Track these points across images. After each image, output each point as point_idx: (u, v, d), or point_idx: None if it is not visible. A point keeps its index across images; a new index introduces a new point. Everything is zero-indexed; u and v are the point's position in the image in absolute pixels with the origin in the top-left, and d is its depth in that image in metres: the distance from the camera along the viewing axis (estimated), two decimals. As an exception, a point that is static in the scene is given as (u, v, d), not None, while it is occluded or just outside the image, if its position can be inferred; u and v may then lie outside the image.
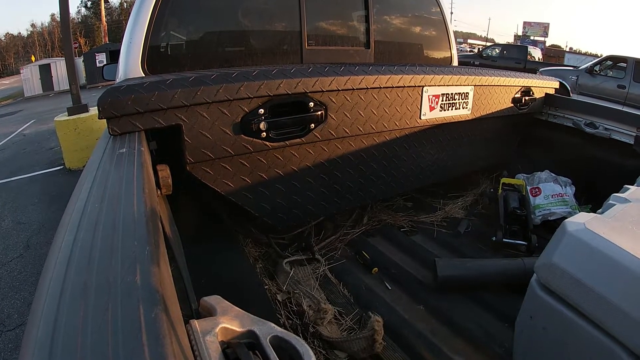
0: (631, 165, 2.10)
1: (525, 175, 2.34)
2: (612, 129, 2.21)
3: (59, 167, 5.79)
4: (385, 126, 1.67)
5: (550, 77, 2.54)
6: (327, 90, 1.43)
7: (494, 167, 2.61)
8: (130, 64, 1.59)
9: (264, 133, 1.35)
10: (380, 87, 1.57)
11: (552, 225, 2.09)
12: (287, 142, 1.43)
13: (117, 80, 1.70)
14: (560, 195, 2.13)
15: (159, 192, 0.96)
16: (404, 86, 1.64)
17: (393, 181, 1.92)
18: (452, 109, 1.87)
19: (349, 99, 1.52)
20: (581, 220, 0.95)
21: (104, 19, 25.68)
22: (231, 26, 1.92)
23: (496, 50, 13.82)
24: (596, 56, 27.13)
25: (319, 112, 1.45)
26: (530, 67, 11.64)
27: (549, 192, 2.15)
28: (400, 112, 1.69)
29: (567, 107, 2.43)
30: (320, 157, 1.58)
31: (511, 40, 35.17)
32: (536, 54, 16.88)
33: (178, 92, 1.14)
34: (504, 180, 2.21)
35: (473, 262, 1.66)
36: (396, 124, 1.70)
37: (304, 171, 1.56)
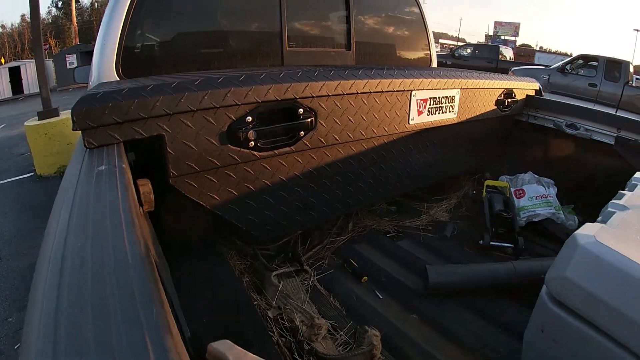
0: (612, 165, 2.15)
1: (508, 177, 2.36)
2: (592, 129, 2.25)
3: (29, 174, 5.54)
4: (375, 132, 1.64)
5: (530, 79, 2.57)
6: (317, 96, 1.38)
7: (477, 170, 2.63)
8: (104, 67, 1.50)
9: (252, 142, 1.28)
10: (370, 92, 1.54)
11: (535, 227, 2.12)
12: (276, 152, 1.37)
13: (91, 84, 1.62)
14: (544, 196, 2.15)
15: (141, 210, 0.90)
16: (394, 90, 1.61)
17: (381, 187, 1.89)
18: (439, 113, 1.86)
19: (338, 104, 1.47)
20: (590, 232, 0.94)
21: (74, 19, 24.90)
22: (209, 27, 1.85)
23: (468, 50, 14.09)
24: (565, 55, 28.13)
25: (309, 119, 1.40)
26: (502, 67, 11.92)
27: (533, 194, 2.17)
28: (389, 117, 1.67)
29: (547, 108, 2.47)
30: (309, 166, 1.53)
31: (482, 40, 35.87)
32: (508, 53, 17.21)
33: (160, 100, 1.06)
34: (487, 182, 2.22)
35: (463, 267, 1.65)
36: (385, 130, 1.68)
37: (292, 180, 1.50)
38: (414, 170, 2.02)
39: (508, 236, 1.96)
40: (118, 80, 1.48)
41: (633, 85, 8.43)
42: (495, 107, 2.19)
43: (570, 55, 13.69)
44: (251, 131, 1.26)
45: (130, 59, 1.55)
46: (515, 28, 33.70)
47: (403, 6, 2.73)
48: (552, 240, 2.04)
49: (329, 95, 1.42)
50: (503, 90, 2.20)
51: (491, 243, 1.91)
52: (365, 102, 1.55)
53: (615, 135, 2.16)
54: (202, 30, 1.83)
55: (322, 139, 1.47)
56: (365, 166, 1.75)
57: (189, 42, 1.76)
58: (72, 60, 17.71)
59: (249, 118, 1.26)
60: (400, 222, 2.18)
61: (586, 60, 9.56)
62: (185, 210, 1.44)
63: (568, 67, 9.53)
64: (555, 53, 32.71)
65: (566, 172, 2.33)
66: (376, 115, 1.62)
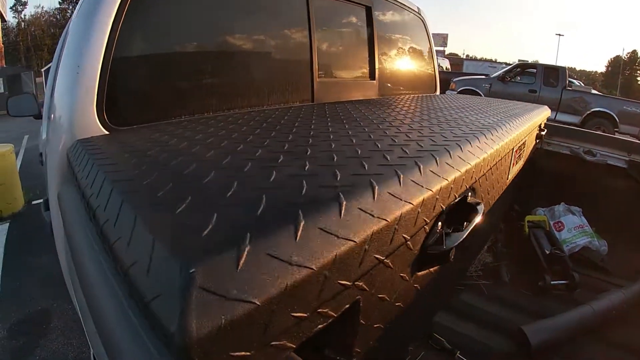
0: (626, 186, 2.27)
1: (542, 209, 2.39)
2: (606, 154, 2.35)
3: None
4: (491, 201, 1.46)
5: (541, 105, 2.63)
6: (485, 172, 1.13)
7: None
8: (78, 110, 0.99)
9: (446, 258, 0.88)
10: (505, 154, 1.38)
11: (577, 257, 2.16)
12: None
13: (50, 139, 1.10)
14: (581, 226, 2.21)
15: None
16: (512, 147, 1.49)
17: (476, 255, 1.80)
18: (518, 161, 1.81)
19: (487, 178, 1.22)
20: None
21: (0, 39, 22.01)
22: (229, 52, 1.43)
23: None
24: (491, 62, 30.21)
25: (481, 207, 1.01)
26: (442, 77, 12.43)
27: (571, 225, 2.21)
28: (502, 179, 1.54)
29: (560, 134, 2.54)
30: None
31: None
32: (444, 63, 18.10)
33: (371, 238, 0.59)
34: (528, 218, 2.23)
35: (555, 320, 1.60)
36: (497, 194, 1.55)
37: (439, 286, 1.22)
38: (491, 226, 1.95)
39: (563, 273, 1.96)
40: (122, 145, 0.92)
41: (570, 89, 9.24)
42: (535, 142, 2.20)
43: (496, 62, 14.64)
44: (444, 239, 0.86)
45: (120, 99, 1.05)
46: (444, 39, 35.38)
47: (417, 38, 2.80)
48: (590, 267, 2.10)
49: (487, 171, 1.19)
50: (541, 123, 2.22)
51: (552, 282, 1.90)
52: (497, 168, 1.36)
53: (626, 159, 2.27)
54: (222, 56, 1.39)
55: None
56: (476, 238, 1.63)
57: (205, 72, 1.32)
58: (-3, 85, 15.39)
59: (439, 225, 0.87)
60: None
61: (523, 67, 10.32)
62: None
63: (508, 75, 10.21)
64: (482, 60, 35.13)
65: (586, 197, 2.42)
66: (494, 181, 1.40)
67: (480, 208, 0.95)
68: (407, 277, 0.83)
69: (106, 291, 0.51)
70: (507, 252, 2.25)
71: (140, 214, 0.52)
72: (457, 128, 1.25)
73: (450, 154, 0.92)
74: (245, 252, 0.43)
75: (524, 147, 1.87)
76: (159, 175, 0.66)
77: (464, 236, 0.87)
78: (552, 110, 9.01)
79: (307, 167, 0.72)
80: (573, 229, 2.20)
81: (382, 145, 0.93)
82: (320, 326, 0.54)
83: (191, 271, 0.38)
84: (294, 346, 0.49)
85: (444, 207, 0.85)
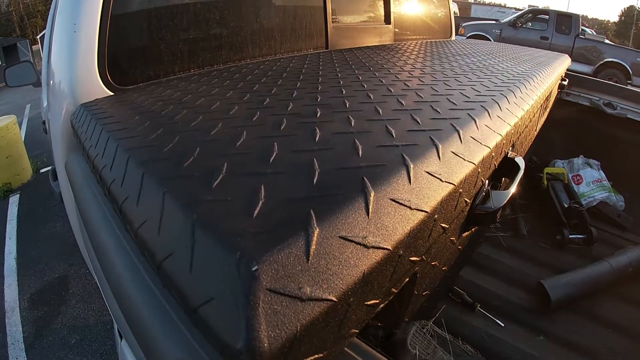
0: None
1: (561, 161, 2.32)
2: (627, 108, 2.25)
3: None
4: (522, 154, 1.38)
5: (561, 54, 2.50)
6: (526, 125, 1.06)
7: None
8: (79, 73, 0.91)
9: (493, 218, 0.82)
10: (538, 105, 1.28)
11: (594, 212, 2.12)
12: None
13: (53, 107, 1.03)
14: (599, 180, 2.16)
15: None
16: (544, 98, 1.38)
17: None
18: (544, 113, 1.73)
19: (522, 131, 1.11)
20: None
21: None
22: None
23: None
24: (500, 6, 28.86)
25: (522, 163, 0.93)
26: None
27: (590, 179, 2.16)
28: (533, 131, 1.48)
29: (581, 85, 2.43)
30: None
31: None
32: (453, 8, 17.30)
33: (440, 206, 0.53)
34: (547, 170, 2.17)
35: (575, 275, 1.59)
36: (527, 146, 1.50)
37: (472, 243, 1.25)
38: None
39: (581, 227, 1.93)
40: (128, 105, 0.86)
41: (583, 37, 8.85)
42: (558, 91, 2.11)
43: (505, 7, 13.93)
44: (495, 202, 0.80)
45: (124, 56, 0.97)
46: (449, -19, 33.71)
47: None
48: (606, 222, 2.07)
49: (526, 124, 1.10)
50: (564, 71, 2.11)
51: (570, 236, 1.88)
52: (529, 120, 1.29)
53: None
54: (229, 3, 1.26)
55: None
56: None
57: (212, 20, 1.20)
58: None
59: (486, 183, 0.80)
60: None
61: (535, 13, 9.84)
62: None
63: (519, 21, 9.76)
64: (490, 5, 33.55)
65: (604, 151, 2.35)
66: (527, 133, 1.31)
67: (522, 163, 0.88)
68: (456, 241, 0.77)
69: (136, 284, 0.44)
70: (525, 204, 2.21)
71: (169, 189, 0.43)
72: (493, 77, 1.15)
73: (499, 105, 0.83)
74: (315, 237, 0.34)
75: (550, 97, 1.78)
76: (181, 140, 0.57)
77: (511, 194, 0.80)
78: (564, 59, 8.80)
79: (353, 123, 0.63)
80: (592, 182, 2.15)
81: (424, 95, 0.84)
82: (382, 305, 0.48)
83: (254, 269, 0.30)
84: (357, 331, 0.44)
85: (496, 165, 0.78)
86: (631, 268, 1.65)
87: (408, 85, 0.94)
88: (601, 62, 8.71)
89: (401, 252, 0.43)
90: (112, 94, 0.95)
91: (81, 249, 1.19)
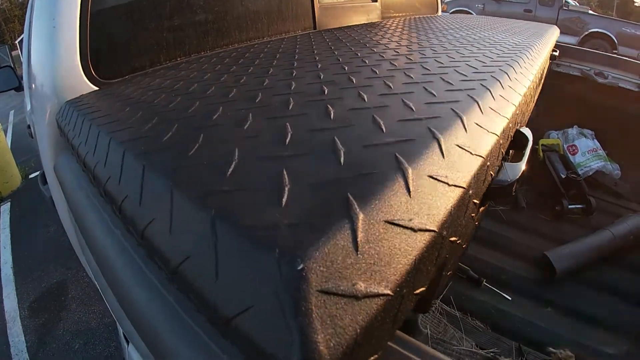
0: (638, 110, 2.19)
1: (555, 132, 2.32)
2: (618, 77, 2.25)
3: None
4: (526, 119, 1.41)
5: (549, 25, 2.48)
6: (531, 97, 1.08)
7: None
8: (61, 69, 0.88)
9: (509, 192, 0.79)
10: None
11: (590, 181, 2.13)
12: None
13: (39, 111, 0.98)
14: (594, 150, 2.17)
15: None
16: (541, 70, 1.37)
17: None
18: (540, 84, 1.71)
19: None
20: None
21: None
22: None
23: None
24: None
25: (530, 135, 0.90)
26: None
27: (585, 148, 2.17)
28: (533, 99, 1.45)
29: (570, 55, 2.42)
30: None
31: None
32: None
33: (473, 182, 0.50)
34: (542, 141, 2.17)
35: (577, 245, 1.61)
36: (527, 118, 1.48)
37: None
38: None
39: (580, 197, 1.94)
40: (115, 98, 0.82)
41: (567, 9, 8.82)
42: (549, 63, 2.09)
43: None
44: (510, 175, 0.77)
45: (106, 49, 0.93)
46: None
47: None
48: (604, 191, 2.08)
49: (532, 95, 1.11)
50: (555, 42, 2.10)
51: (569, 207, 1.89)
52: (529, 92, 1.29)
53: (638, 82, 2.18)
54: None
55: None
56: None
57: (195, 6, 1.16)
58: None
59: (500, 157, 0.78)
60: None
61: (518, -14, 9.76)
62: None
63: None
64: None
65: (597, 120, 2.35)
66: (526, 105, 1.33)
67: (529, 134, 0.86)
68: (476, 217, 0.74)
69: (143, 290, 0.41)
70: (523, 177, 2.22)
71: (176, 182, 0.38)
72: (494, 48, 1.13)
73: (508, 75, 0.81)
74: (360, 223, 0.30)
75: (544, 68, 1.78)
76: (180, 127, 0.53)
77: (524, 166, 0.78)
78: (549, 31, 8.78)
79: (366, 98, 0.60)
80: (587, 152, 2.16)
81: (431, 68, 0.82)
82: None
83: (299, 268, 0.25)
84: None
85: (511, 136, 0.76)
86: (632, 236, 1.67)
87: (411, 59, 0.92)
88: (586, 33, 8.69)
89: (444, 233, 0.40)
90: (97, 88, 0.91)
91: (77, 251, 1.16)
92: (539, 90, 1.70)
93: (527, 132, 0.84)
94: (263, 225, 0.30)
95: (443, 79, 0.72)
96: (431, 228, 0.36)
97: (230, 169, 0.39)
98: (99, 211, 0.55)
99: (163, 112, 0.59)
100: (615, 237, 1.63)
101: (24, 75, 2.16)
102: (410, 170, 0.37)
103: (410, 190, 0.36)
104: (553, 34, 1.96)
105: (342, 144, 0.43)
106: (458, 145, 0.47)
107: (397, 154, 0.40)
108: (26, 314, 2.34)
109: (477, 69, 0.82)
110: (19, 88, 2.50)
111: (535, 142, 2.15)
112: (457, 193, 0.42)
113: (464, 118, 0.52)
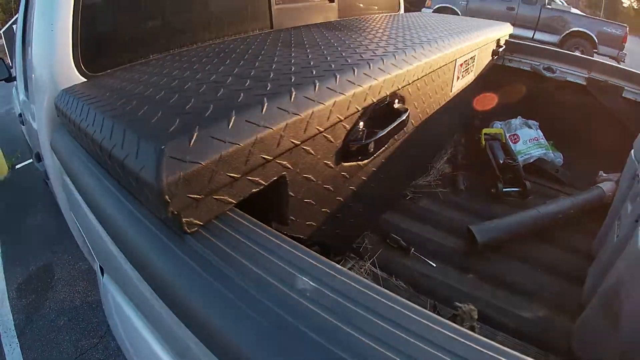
0: (584, 102, 2.40)
1: (499, 122, 2.51)
2: (566, 71, 2.43)
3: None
4: (430, 110, 1.63)
5: (502, 23, 2.64)
6: (411, 82, 1.28)
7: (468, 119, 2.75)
8: (57, 64, 1.10)
9: (365, 152, 1.09)
10: (439, 67, 1.49)
11: (533, 168, 2.33)
12: (375, 155, 1.22)
13: (39, 98, 1.20)
14: (536, 139, 2.35)
15: None
16: (451, 61, 1.59)
17: (422, 161, 1.92)
18: (465, 75, 1.90)
19: (419, 88, 1.39)
20: None
21: None
22: None
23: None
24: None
25: (406, 112, 1.23)
26: None
27: (526, 137, 2.35)
28: (442, 91, 1.66)
29: (522, 51, 2.61)
30: (389, 159, 1.44)
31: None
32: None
33: (285, 127, 0.81)
34: (485, 130, 2.35)
35: (501, 221, 1.78)
36: (438, 104, 1.68)
37: (375, 181, 1.42)
38: (439, 134, 2.10)
39: (516, 181, 2.13)
40: (108, 85, 1.06)
41: (550, 7, 8.98)
42: (491, 58, 2.27)
43: None
44: (364, 139, 1.09)
45: (95, 46, 1.14)
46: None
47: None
48: (545, 177, 2.27)
49: (418, 79, 1.34)
50: (497, 39, 2.27)
51: (504, 190, 2.07)
52: (433, 79, 1.51)
53: (586, 76, 2.37)
54: None
55: (406, 131, 1.43)
56: (421, 146, 1.76)
57: (166, 11, 1.39)
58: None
59: (361, 124, 1.08)
60: (413, 181, 2.23)
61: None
62: None
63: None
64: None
65: (545, 112, 2.54)
66: (433, 93, 1.57)
67: (406, 112, 1.13)
68: (332, 165, 1.06)
69: (107, 192, 0.79)
70: (465, 163, 2.40)
71: (132, 128, 0.73)
72: (391, 45, 1.36)
73: (370, 66, 1.08)
74: (195, 135, 0.67)
75: (472, 62, 1.94)
76: (151, 107, 0.82)
77: (384, 132, 1.10)
78: (530, 29, 8.92)
79: (247, 84, 0.91)
80: (528, 141, 2.34)
81: (314, 62, 1.10)
82: (254, 190, 0.78)
83: (162, 147, 0.63)
84: (234, 202, 0.74)
85: (359, 109, 1.03)
86: (561, 215, 1.83)
87: (309, 56, 1.19)
88: (567, 32, 8.84)
89: (251, 149, 0.74)
90: (85, 80, 1.16)
91: (64, 211, 1.43)
92: (464, 81, 1.89)
93: (404, 110, 1.13)
94: (159, 136, 0.67)
95: (312, 71, 1.01)
96: (237, 142, 0.71)
97: (155, 118, 0.75)
98: (86, 163, 0.88)
99: (138, 97, 0.89)
100: (542, 214, 1.79)
101: (16, 66, 2.26)
102: (234, 118, 0.74)
103: (230, 125, 0.72)
104: (493, 32, 2.14)
105: (213, 109, 0.76)
106: (278, 107, 0.81)
107: (234, 110, 0.75)
108: (14, 295, 2.50)
109: (348, 62, 1.10)
110: (9, 79, 2.57)
111: (480, 133, 2.35)
112: (266, 131, 0.77)
113: (294, 93, 0.85)
